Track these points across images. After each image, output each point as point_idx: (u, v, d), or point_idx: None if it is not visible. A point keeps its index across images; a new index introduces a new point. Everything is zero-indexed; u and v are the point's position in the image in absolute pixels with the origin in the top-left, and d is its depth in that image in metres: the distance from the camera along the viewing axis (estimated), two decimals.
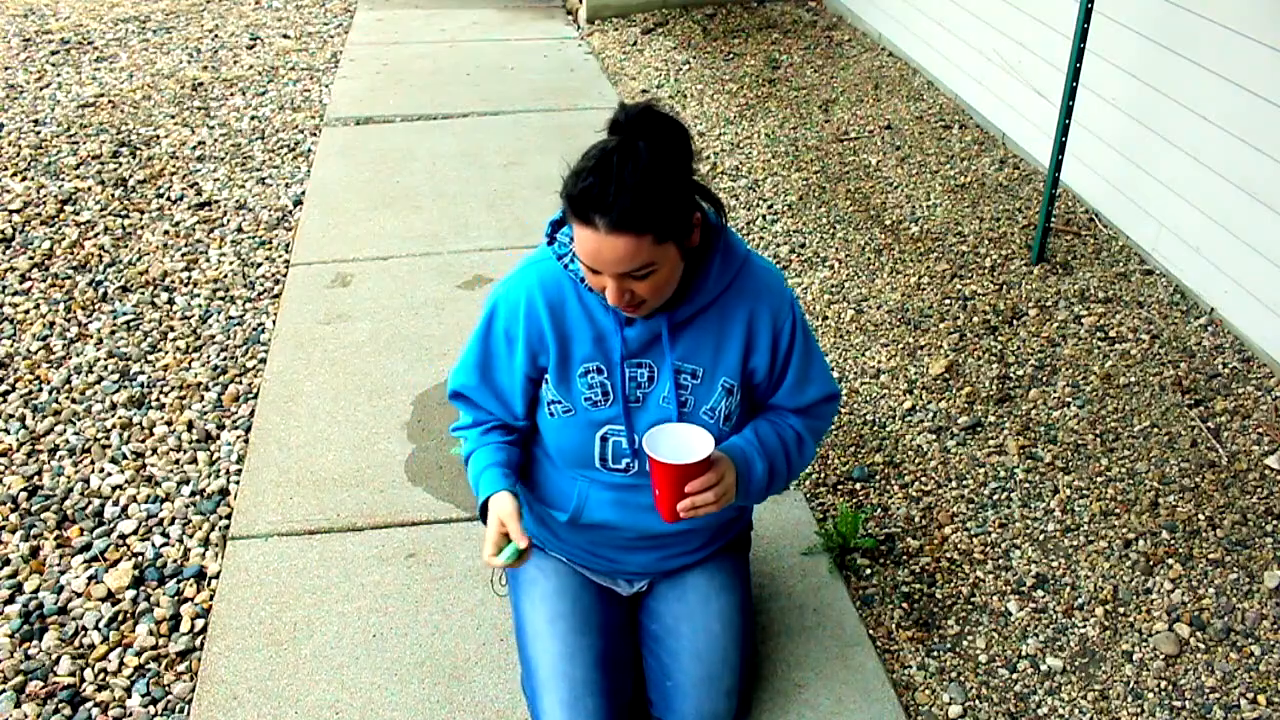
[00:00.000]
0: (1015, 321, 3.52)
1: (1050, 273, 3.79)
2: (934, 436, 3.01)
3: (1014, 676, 2.31)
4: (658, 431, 1.81)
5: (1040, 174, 4.46)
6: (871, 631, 2.40)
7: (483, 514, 1.91)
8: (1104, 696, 2.27)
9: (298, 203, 4.35)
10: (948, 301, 3.64)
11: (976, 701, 2.25)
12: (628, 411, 1.88)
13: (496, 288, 1.94)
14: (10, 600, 2.51)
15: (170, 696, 2.27)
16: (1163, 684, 2.29)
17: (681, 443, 1.80)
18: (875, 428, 3.05)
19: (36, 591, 2.53)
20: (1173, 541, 2.65)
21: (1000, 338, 3.44)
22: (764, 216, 4.22)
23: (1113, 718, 2.22)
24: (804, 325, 1.95)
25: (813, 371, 1.98)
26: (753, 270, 1.89)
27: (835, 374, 3.27)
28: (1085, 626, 2.43)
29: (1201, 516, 2.71)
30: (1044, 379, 3.24)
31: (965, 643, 2.39)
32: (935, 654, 2.36)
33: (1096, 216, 4.12)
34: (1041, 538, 2.67)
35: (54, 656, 2.37)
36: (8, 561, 2.61)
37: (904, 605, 2.48)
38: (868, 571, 2.57)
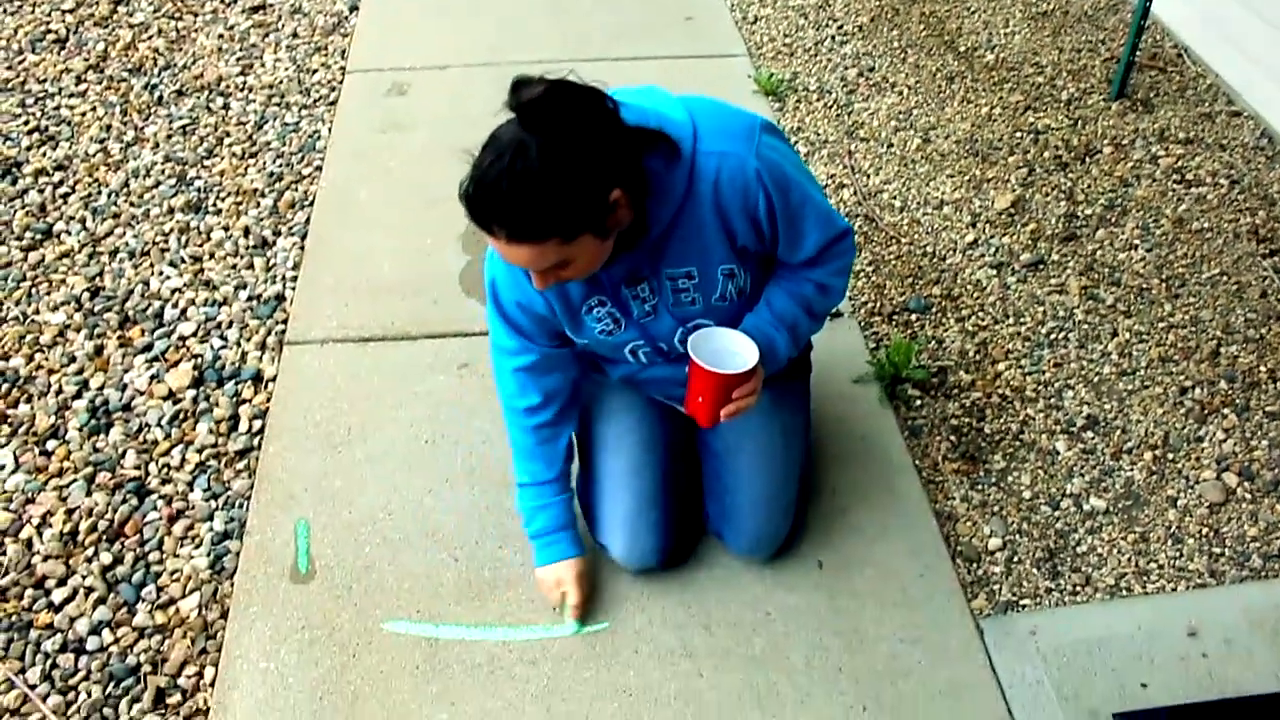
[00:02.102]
0: (1088, 159, 3.39)
1: (1129, 110, 3.62)
2: (994, 272, 2.95)
3: (1056, 514, 2.32)
4: (700, 337, 1.76)
5: (1129, 3, 4.21)
6: (918, 462, 2.41)
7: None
8: (1144, 539, 2.27)
9: (354, 8, 4.24)
10: (1019, 134, 3.50)
11: (1016, 536, 2.27)
12: (644, 330, 1.86)
13: (486, 262, 1.88)
14: (78, 396, 2.59)
15: (230, 492, 2.36)
16: (1204, 530, 2.29)
17: (722, 347, 1.76)
18: (935, 260, 2.99)
19: (102, 388, 2.61)
20: (1230, 392, 2.60)
21: (1071, 175, 3.32)
22: (833, 37, 4.05)
23: (1151, 559, 2.23)
24: (781, 188, 1.72)
25: (805, 225, 1.80)
26: (704, 156, 1.68)
27: (898, 203, 3.19)
28: (1132, 470, 2.42)
29: (1263, 368, 2.65)
30: (1113, 220, 3.14)
31: (1010, 478, 2.40)
32: (979, 487, 2.37)
33: (1186, 52, 3.90)
34: (1096, 380, 2.63)
35: (120, 450, 2.46)
36: (74, 359, 2.68)
37: (951, 438, 2.48)
38: (918, 402, 2.57)
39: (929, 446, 2.46)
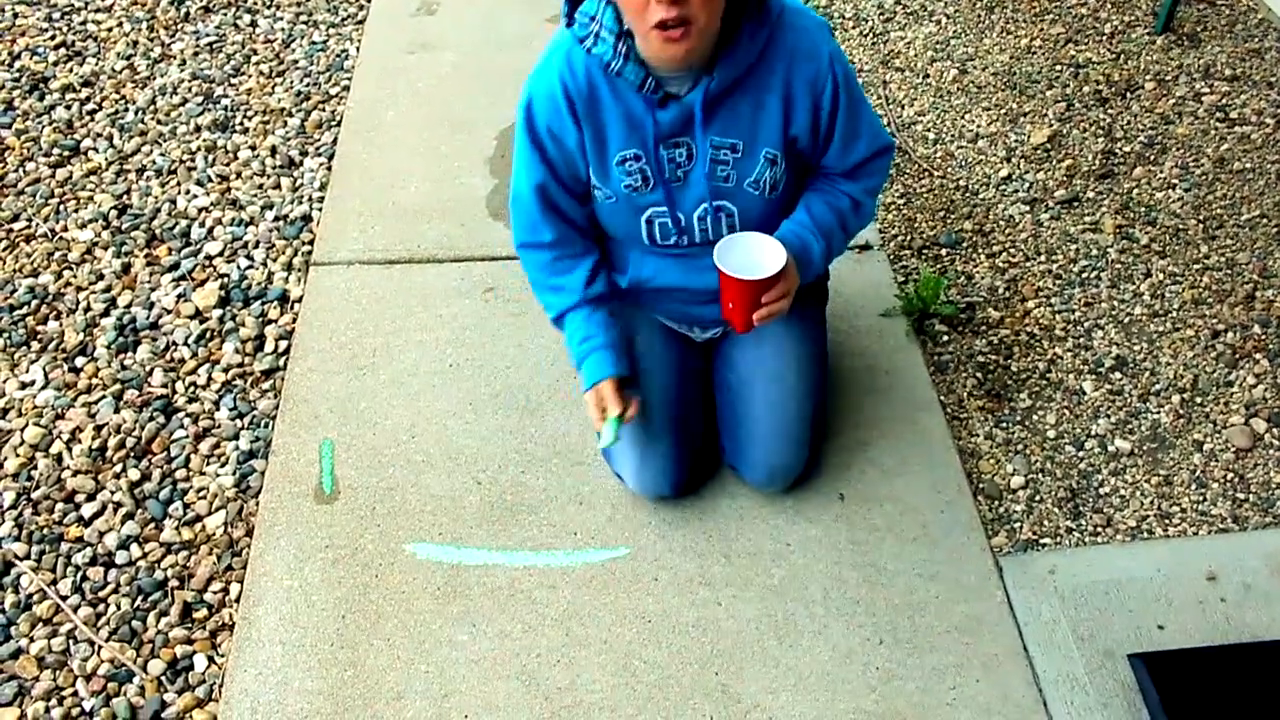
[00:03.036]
0: (1128, 94, 3.31)
1: (1174, 44, 3.53)
2: (1027, 208, 2.90)
3: (1080, 454, 2.31)
4: (726, 243, 1.77)
5: None
6: (942, 398, 2.40)
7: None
8: (1167, 482, 2.26)
9: None
10: (1059, 67, 3.42)
11: (1039, 475, 2.27)
12: (669, 194, 1.83)
13: (526, 83, 1.82)
14: (106, 313, 2.60)
15: (255, 411, 2.38)
16: (1229, 475, 2.27)
17: (750, 251, 1.76)
18: (968, 194, 2.95)
19: (129, 306, 2.62)
20: (1264, 336, 2.56)
21: (1110, 110, 3.25)
22: None
23: (1174, 503, 2.22)
24: (848, 82, 1.79)
25: (860, 127, 1.84)
26: (788, 28, 1.72)
27: (931, 135, 3.13)
28: (1159, 413, 2.40)
29: None
30: (1151, 158, 3.08)
31: (1035, 417, 2.38)
32: (1004, 425, 2.36)
33: None
34: (1127, 320, 2.60)
35: (147, 368, 2.48)
36: (101, 276, 2.69)
37: (978, 375, 2.47)
38: (945, 338, 2.54)
39: (954, 383, 2.45)
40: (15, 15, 3.62)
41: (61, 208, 2.89)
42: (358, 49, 3.46)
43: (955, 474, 2.23)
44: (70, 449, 2.32)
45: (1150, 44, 3.52)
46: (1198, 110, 3.24)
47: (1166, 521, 2.19)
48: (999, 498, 2.22)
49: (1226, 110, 3.24)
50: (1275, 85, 3.33)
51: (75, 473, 2.27)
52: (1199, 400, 2.43)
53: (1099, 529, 2.18)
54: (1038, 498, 2.23)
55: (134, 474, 2.27)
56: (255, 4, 3.69)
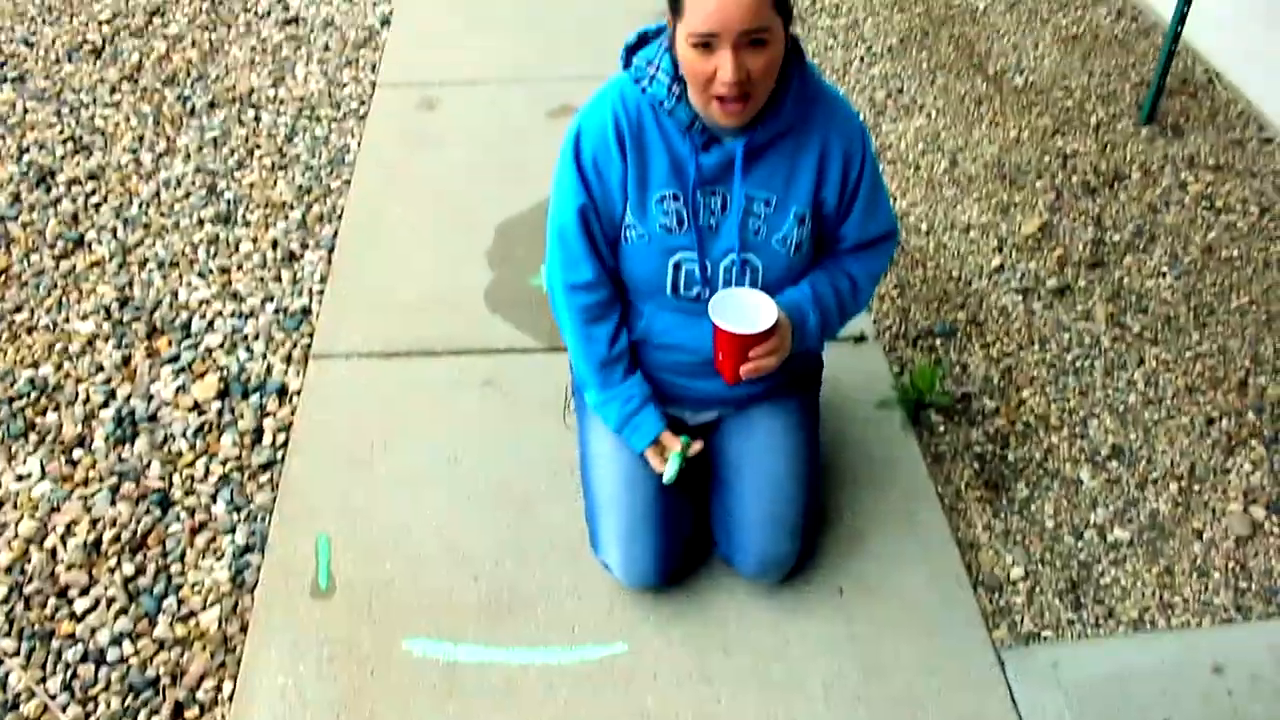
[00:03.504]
0: (1116, 184, 3.37)
1: (1159, 135, 3.60)
2: (1020, 297, 2.93)
3: (1079, 544, 2.30)
4: (722, 297, 1.84)
5: (1160, 28, 4.19)
6: (940, 489, 2.40)
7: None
8: (1168, 572, 2.25)
9: (385, 22, 4.27)
10: (1047, 158, 3.49)
11: (1039, 566, 2.26)
12: (700, 238, 1.88)
13: (577, 116, 1.92)
14: (105, 405, 2.61)
15: (252, 505, 2.37)
16: (1230, 564, 2.27)
17: (744, 307, 1.83)
18: (961, 284, 2.98)
19: (129, 399, 2.63)
20: (1258, 423, 2.58)
21: (1099, 200, 3.30)
22: (862, 59, 4.05)
23: (1175, 593, 2.21)
24: (874, 157, 1.94)
25: (880, 202, 1.98)
26: (827, 99, 1.88)
27: (924, 226, 3.18)
28: (1157, 501, 2.40)
29: None
30: (1141, 246, 3.12)
31: (1033, 507, 2.38)
32: (1002, 516, 2.36)
33: (1217, 78, 3.88)
34: (1122, 409, 2.62)
35: (145, 461, 2.48)
36: (102, 368, 2.71)
37: (975, 465, 2.47)
38: (941, 428, 2.55)
39: (951, 473, 2.45)
40: (26, 111, 3.69)
41: (64, 299, 2.92)
42: (359, 143, 3.53)
43: (954, 565, 2.22)
44: (65, 542, 2.31)
45: (1135, 135, 3.60)
46: (1184, 199, 3.30)
47: (1169, 612, 2.18)
48: (999, 589, 2.21)
49: (1212, 199, 3.29)
50: (1258, 174, 3.40)
51: (69, 567, 2.26)
52: (1197, 488, 2.43)
53: (1101, 620, 2.16)
54: (1039, 589, 2.21)
55: (128, 568, 2.25)
56: (260, 99, 3.77)
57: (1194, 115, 3.70)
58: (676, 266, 1.91)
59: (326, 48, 4.09)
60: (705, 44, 1.64)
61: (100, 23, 4.22)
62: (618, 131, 1.84)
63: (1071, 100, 3.80)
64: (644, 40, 1.87)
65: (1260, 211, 3.24)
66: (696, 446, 2.00)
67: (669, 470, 1.97)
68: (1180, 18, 3.41)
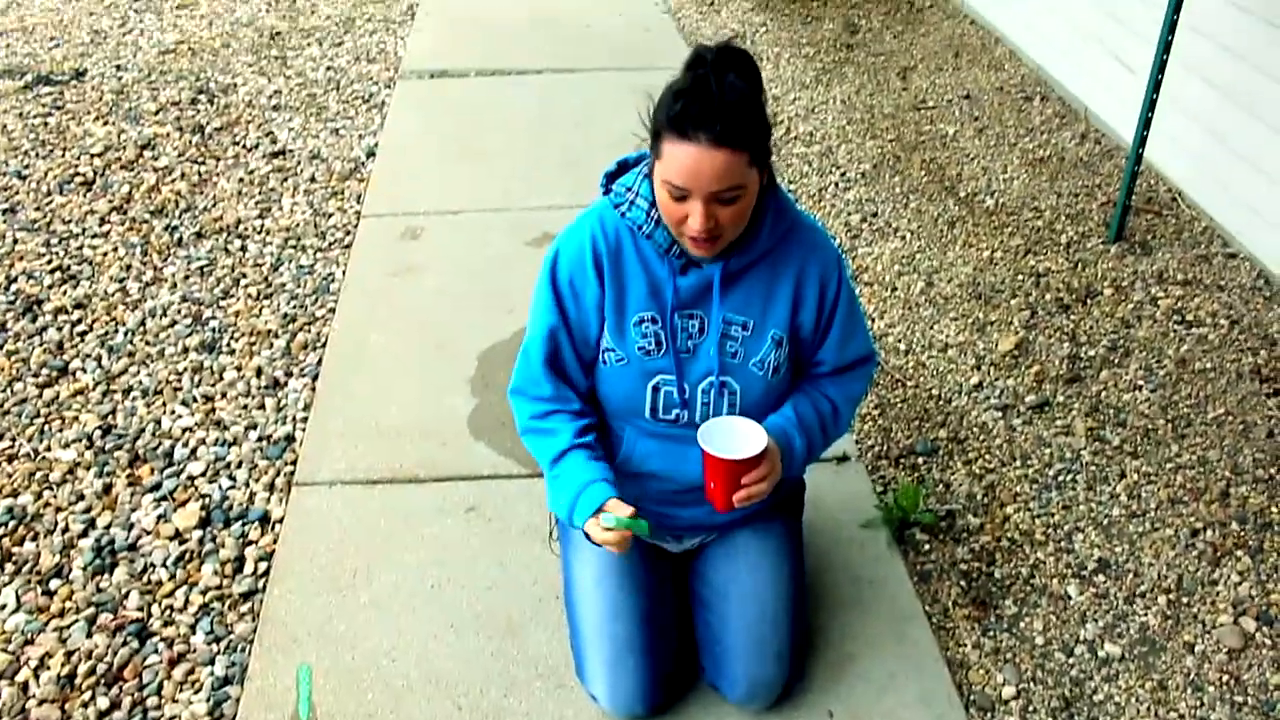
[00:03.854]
0: (1089, 301, 3.44)
1: (1128, 252, 3.69)
2: (1000, 414, 2.96)
3: (1070, 661, 2.28)
4: (710, 426, 1.83)
5: (1123, 150, 4.34)
6: (928, 608, 2.38)
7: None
8: (1162, 687, 2.23)
9: (370, 154, 4.38)
10: (1020, 277, 3.57)
11: (1031, 684, 2.23)
12: (678, 362, 1.90)
13: (556, 239, 1.95)
14: (84, 534, 2.58)
15: (232, 636, 2.33)
16: (1225, 678, 2.24)
17: (733, 434, 1.83)
18: (941, 402, 3.01)
19: (109, 527, 2.60)
20: (1242, 533, 2.58)
21: (1073, 317, 3.37)
22: (836, 184, 4.17)
23: (1170, 709, 2.18)
24: (849, 282, 1.97)
25: (857, 327, 2.01)
26: (803, 226, 1.94)
27: (902, 346, 3.23)
28: (1147, 615, 2.39)
29: (1275, 510, 2.64)
30: (1116, 361, 3.17)
31: (1022, 624, 2.36)
32: (991, 634, 2.34)
33: (1180, 196, 4.00)
34: (1106, 522, 2.62)
35: (124, 591, 2.44)
36: (82, 497, 2.69)
37: (962, 583, 2.46)
38: (926, 547, 2.55)
39: (939, 591, 2.44)
40: (15, 241, 3.74)
41: (46, 427, 2.91)
42: (344, 272, 3.58)
43: (945, 686, 2.19)
44: (38, 676, 2.25)
45: (1105, 252, 3.69)
46: (1155, 314, 3.37)
47: None
48: (991, 709, 2.18)
49: (1183, 313, 3.36)
50: (1225, 288, 3.48)
51: (41, 702, 2.20)
52: (1185, 600, 2.42)
53: None
54: (1031, 708, 2.18)
55: (103, 702, 2.20)
56: (246, 230, 3.84)
57: (1160, 232, 3.80)
58: (655, 389, 1.92)
59: (313, 179, 4.19)
60: (679, 195, 1.70)
61: (92, 156, 4.31)
62: (595, 255, 1.88)
63: (1041, 220, 3.90)
64: (624, 168, 1.93)
65: (1230, 324, 3.30)
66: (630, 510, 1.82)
67: (613, 527, 1.78)
68: (1140, 140, 3.53)
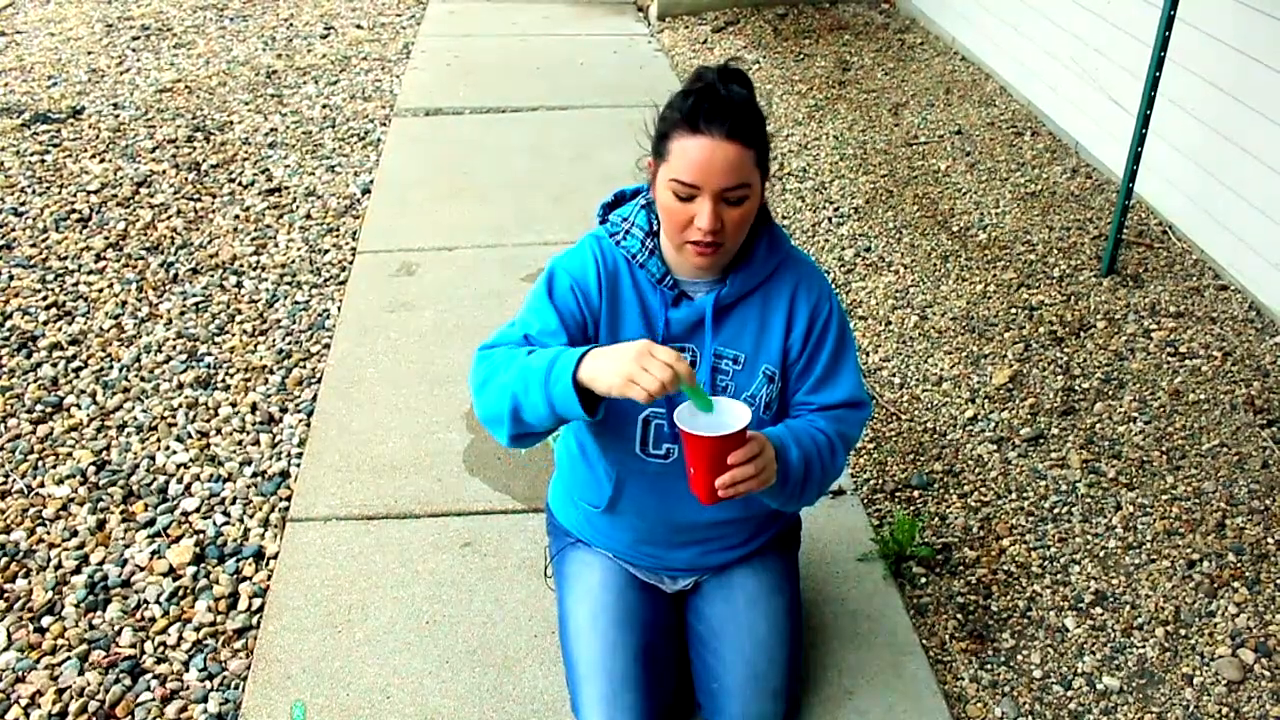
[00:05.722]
0: (1082, 333, 3.46)
1: (1120, 285, 3.72)
2: (995, 447, 2.97)
3: (1068, 694, 2.27)
4: (689, 408, 1.68)
5: (1113, 184, 4.37)
6: (925, 641, 2.37)
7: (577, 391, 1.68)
8: (1161, 719, 2.22)
9: (366, 191, 4.40)
10: (1014, 311, 3.58)
11: (1029, 717, 2.22)
12: (669, 397, 1.84)
13: (552, 261, 1.94)
14: (77, 571, 2.57)
15: (226, 673, 2.31)
16: (1224, 710, 2.23)
17: (716, 418, 1.68)
18: (935, 436, 3.02)
19: (102, 564, 2.59)
20: (1239, 564, 2.58)
21: (1066, 349, 3.38)
22: (830, 219, 4.19)
23: None
24: (841, 322, 1.96)
25: (845, 370, 1.94)
26: (796, 258, 1.96)
27: (897, 380, 3.23)
28: (1144, 647, 2.38)
29: (1271, 540, 2.64)
30: (1110, 393, 3.18)
31: (1020, 657, 2.35)
32: (989, 667, 2.33)
33: (1171, 229, 4.03)
34: (1102, 554, 2.62)
35: (116, 628, 2.42)
36: (75, 533, 2.68)
37: (958, 616, 2.45)
38: (923, 580, 2.54)
39: (936, 625, 2.43)
40: (11, 277, 3.74)
41: (40, 464, 2.90)
42: (339, 308, 3.59)
43: (943, 719, 2.18)
44: (29, 714, 2.23)
45: (1098, 285, 3.71)
46: (1149, 346, 3.38)
47: None
48: None
49: (1176, 345, 3.38)
50: (1217, 320, 3.50)
51: None
52: (1183, 632, 2.41)
53: None
54: None
55: None
56: (242, 266, 3.85)
57: (1152, 265, 3.83)
58: (645, 422, 1.92)
59: (308, 216, 4.20)
60: (687, 194, 1.71)
61: (89, 193, 4.32)
62: (597, 272, 1.88)
63: (1034, 254, 3.93)
64: (621, 199, 1.95)
65: (1223, 355, 3.32)
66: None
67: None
68: (1131, 174, 3.57)
